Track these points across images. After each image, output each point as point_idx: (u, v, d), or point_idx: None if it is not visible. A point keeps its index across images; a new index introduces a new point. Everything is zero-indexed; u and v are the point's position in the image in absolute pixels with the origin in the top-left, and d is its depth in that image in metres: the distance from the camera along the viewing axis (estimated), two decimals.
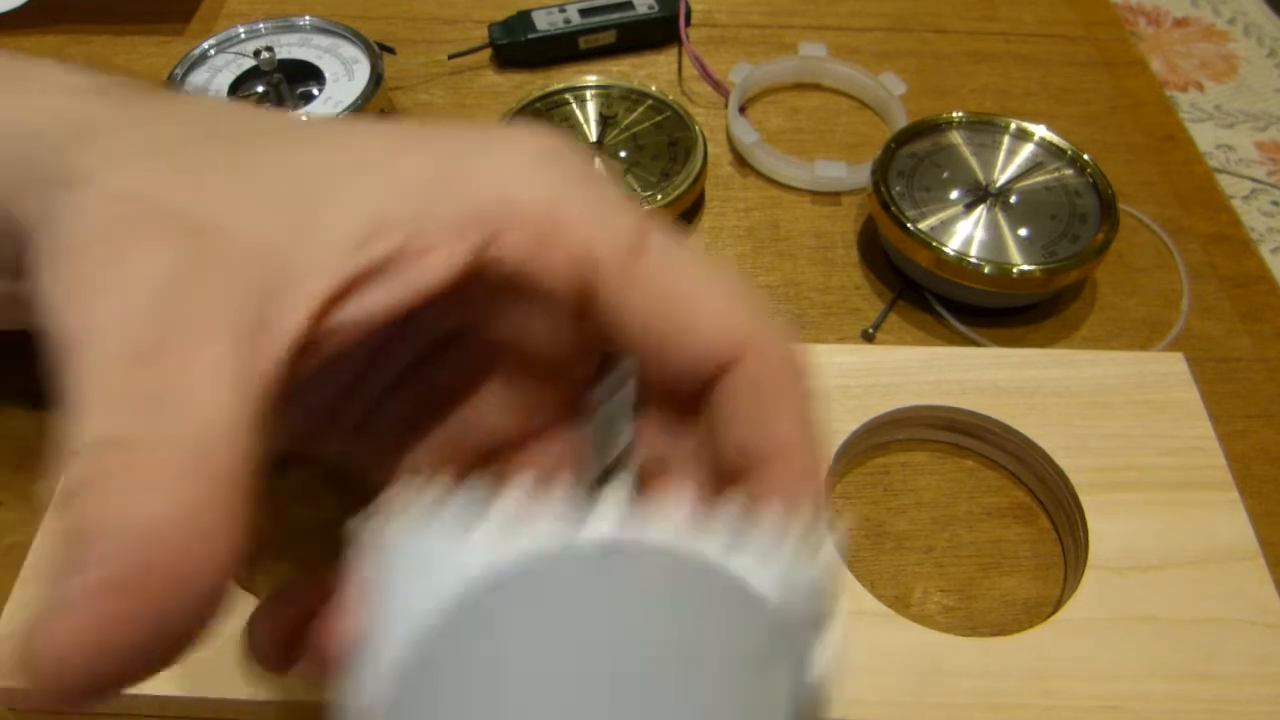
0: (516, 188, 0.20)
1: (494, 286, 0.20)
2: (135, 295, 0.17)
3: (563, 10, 0.53)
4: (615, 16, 0.52)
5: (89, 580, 0.15)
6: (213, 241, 0.18)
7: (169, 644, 0.16)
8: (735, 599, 0.16)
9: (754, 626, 0.16)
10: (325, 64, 0.47)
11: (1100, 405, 0.35)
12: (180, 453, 0.16)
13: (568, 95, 0.49)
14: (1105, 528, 0.32)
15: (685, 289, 0.20)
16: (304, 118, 0.44)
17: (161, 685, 0.27)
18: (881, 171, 0.43)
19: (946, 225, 0.42)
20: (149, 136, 0.21)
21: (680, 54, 0.53)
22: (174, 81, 0.46)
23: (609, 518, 0.16)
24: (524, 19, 0.52)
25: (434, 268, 0.19)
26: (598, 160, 0.20)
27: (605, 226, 0.20)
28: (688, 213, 0.45)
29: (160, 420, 0.16)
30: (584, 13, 0.53)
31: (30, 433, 0.36)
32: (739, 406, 0.20)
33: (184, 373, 0.17)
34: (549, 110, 0.48)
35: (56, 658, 0.15)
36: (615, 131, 0.47)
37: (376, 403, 0.24)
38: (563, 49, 0.53)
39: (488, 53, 0.53)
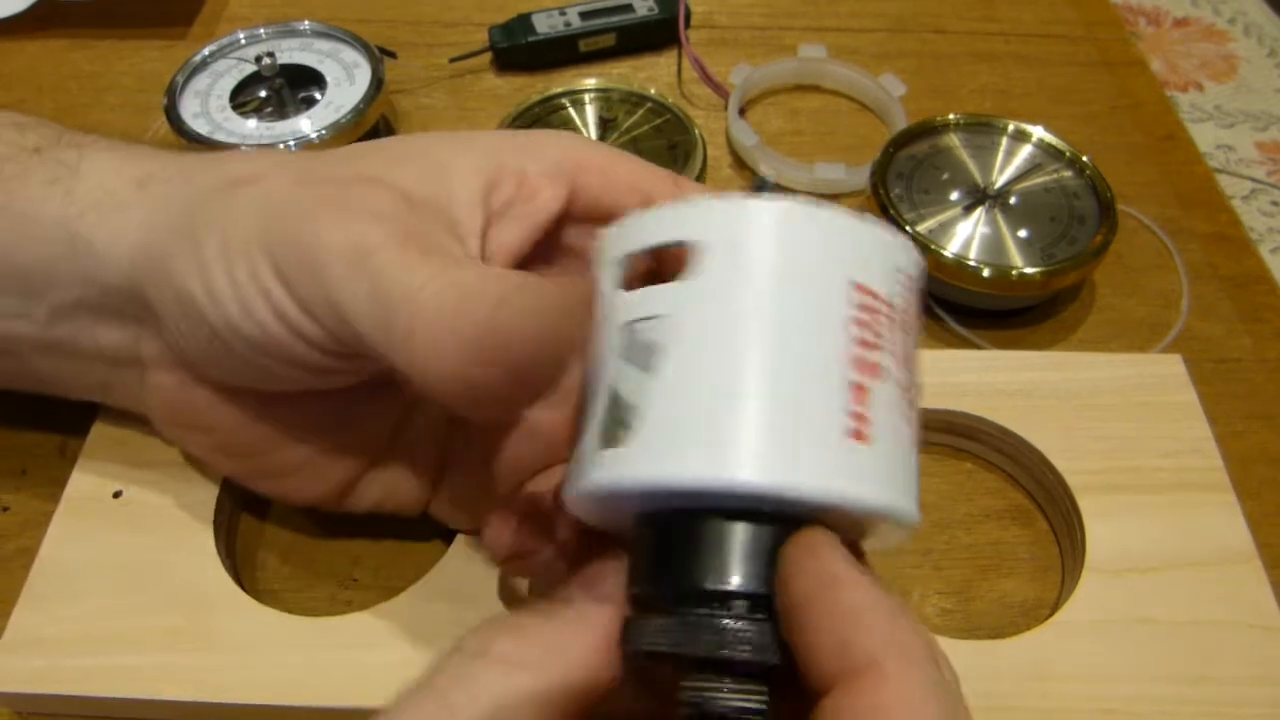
0: (578, 151, 0.28)
1: (580, 216, 0.28)
2: (387, 212, 0.23)
3: (563, 13, 0.53)
4: (615, 19, 0.53)
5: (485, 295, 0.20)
6: (399, 191, 0.24)
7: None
8: None
9: None
10: (326, 68, 0.48)
11: (1098, 407, 0.35)
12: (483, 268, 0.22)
13: (565, 100, 0.49)
14: (1102, 530, 0.32)
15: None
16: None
17: (168, 691, 0.28)
18: (880, 174, 0.43)
19: (946, 227, 0.42)
20: (261, 154, 0.28)
21: (680, 56, 0.53)
22: (176, 89, 0.46)
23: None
24: (524, 22, 0.53)
25: (545, 203, 0.27)
26: None
27: (648, 168, 0.28)
28: None
29: (463, 264, 0.22)
30: (584, 15, 0.53)
31: (34, 440, 0.36)
32: None
33: (451, 245, 0.24)
34: (548, 115, 0.48)
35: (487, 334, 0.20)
36: (615, 135, 0.47)
37: None
38: (563, 52, 0.53)
39: (488, 56, 0.53)
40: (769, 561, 0.19)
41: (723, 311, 0.19)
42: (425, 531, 0.33)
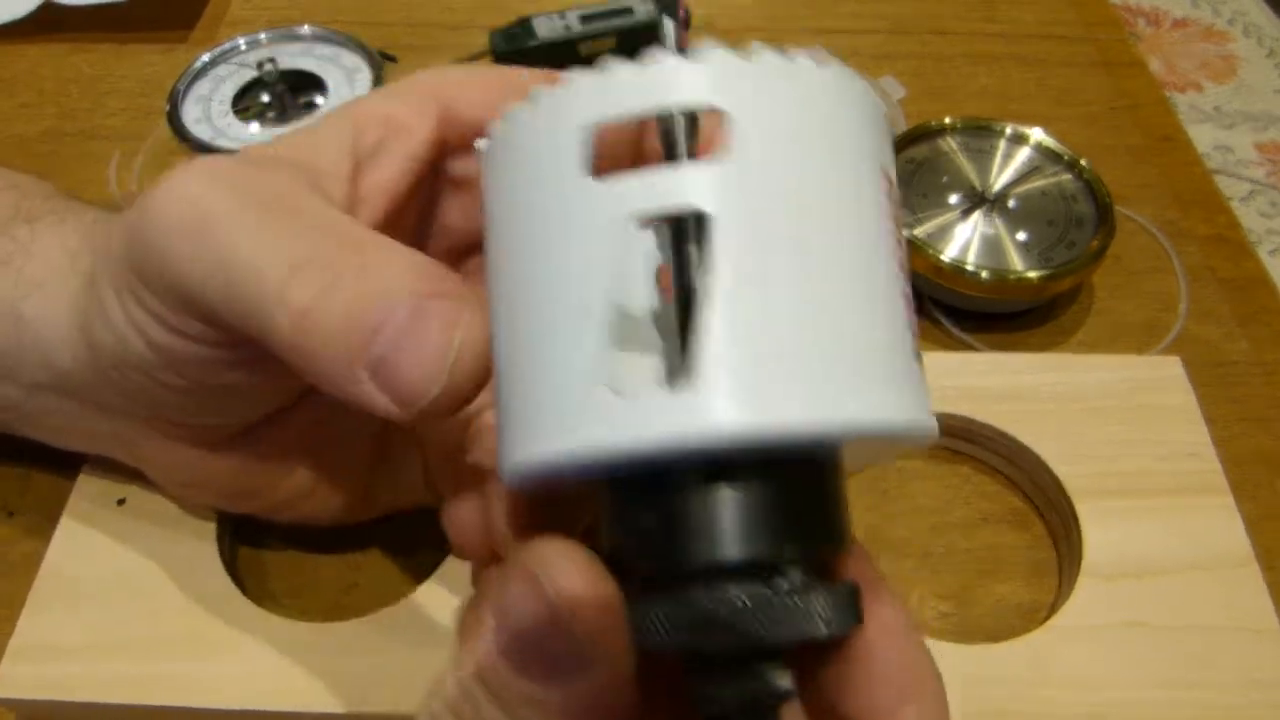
0: (446, 75, 0.26)
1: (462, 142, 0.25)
2: (225, 174, 0.22)
3: (563, 16, 0.53)
4: (615, 22, 0.53)
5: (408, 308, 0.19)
6: (259, 161, 0.23)
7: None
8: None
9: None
10: (327, 73, 0.48)
11: (1096, 410, 0.35)
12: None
13: None
14: (1099, 534, 0.32)
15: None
16: None
17: (173, 698, 0.28)
18: None
19: (944, 231, 0.42)
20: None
21: None
22: (178, 95, 0.46)
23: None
24: (525, 26, 0.53)
25: (416, 134, 0.25)
26: None
27: (516, 70, 0.26)
28: None
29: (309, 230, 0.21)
30: (584, 19, 0.53)
31: (38, 445, 0.36)
32: None
33: (304, 197, 0.22)
34: None
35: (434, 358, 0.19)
36: None
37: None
38: (563, 55, 0.53)
39: (489, 59, 0.53)
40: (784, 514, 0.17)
41: (776, 212, 0.16)
42: (426, 536, 0.33)
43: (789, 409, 0.15)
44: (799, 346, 0.15)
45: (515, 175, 0.17)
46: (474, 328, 0.19)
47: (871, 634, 0.18)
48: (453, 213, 0.28)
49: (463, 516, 0.23)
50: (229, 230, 0.21)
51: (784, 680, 0.17)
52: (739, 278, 0.15)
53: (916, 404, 0.17)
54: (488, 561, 0.23)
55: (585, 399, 0.16)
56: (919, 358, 0.17)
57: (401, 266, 0.19)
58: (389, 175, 0.25)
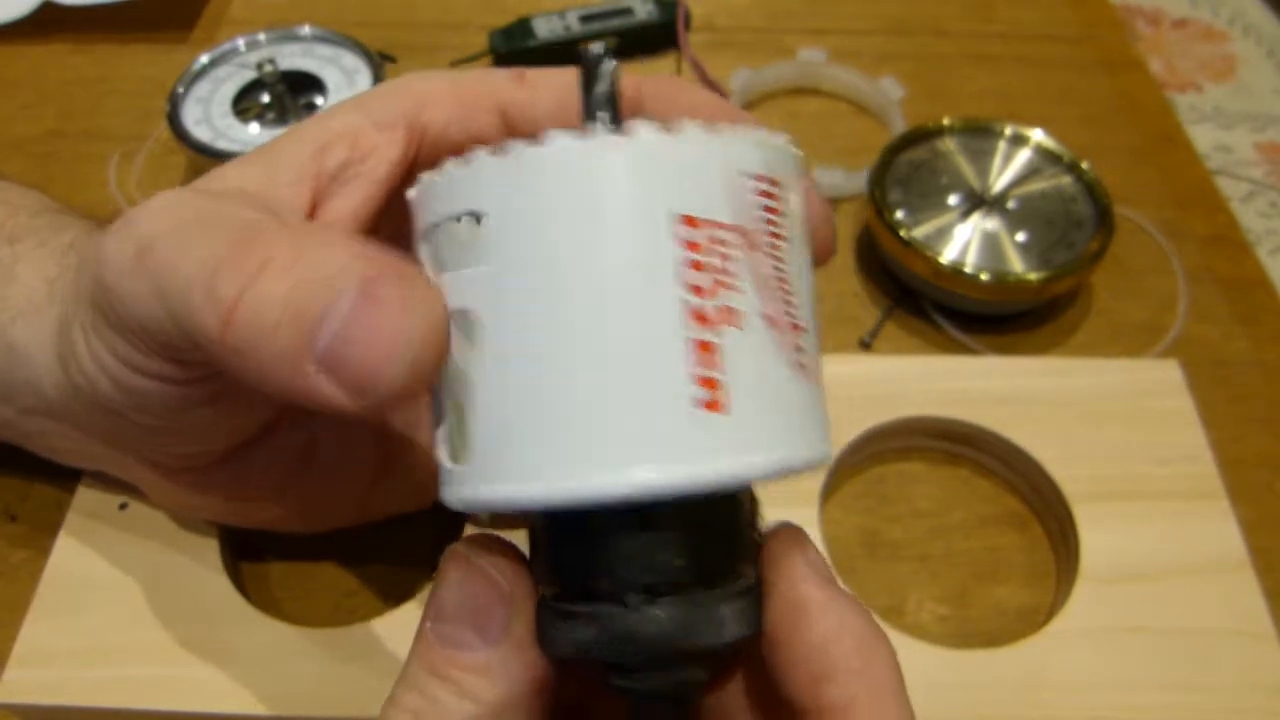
0: (419, 86, 0.25)
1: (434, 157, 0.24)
2: (174, 207, 0.21)
3: (562, 16, 0.53)
4: (615, 22, 0.53)
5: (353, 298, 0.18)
6: (211, 192, 0.23)
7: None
8: None
9: None
10: (327, 74, 0.48)
11: (1094, 414, 0.35)
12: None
13: None
14: (1097, 538, 0.32)
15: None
16: None
17: (176, 702, 0.28)
18: (878, 179, 0.43)
19: (943, 232, 0.42)
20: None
21: (679, 60, 0.54)
22: (178, 96, 0.46)
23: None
24: (524, 26, 0.53)
25: (383, 156, 0.24)
26: None
27: (489, 76, 0.25)
28: None
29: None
30: (584, 19, 0.53)
31: None
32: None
33: (257, 220, 0.21)
34: None
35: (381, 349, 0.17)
36: None
37: None
38: (563, 56, 0.53)
39: (488, 60, 0.53)
40: (668, 544, 0.18)
41: (522, 295, 0.17)
42: (428, 540, 0.33)
43: (526, 484, 0.17)
44: (561, 425, 0.17)
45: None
46: (426, 307, 0.18)
47: (783, 621, 0.19)
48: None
49: None
50: (164, 251, 0.20)
51: (694, 673, 0.19)
52: (500, 366, 0.17)
53: (773, 448, 0.17)
54: None
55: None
56: (703, 400, 0.17)
57: (342, 252, 0.18)
58: (353, 203, 0.24)
